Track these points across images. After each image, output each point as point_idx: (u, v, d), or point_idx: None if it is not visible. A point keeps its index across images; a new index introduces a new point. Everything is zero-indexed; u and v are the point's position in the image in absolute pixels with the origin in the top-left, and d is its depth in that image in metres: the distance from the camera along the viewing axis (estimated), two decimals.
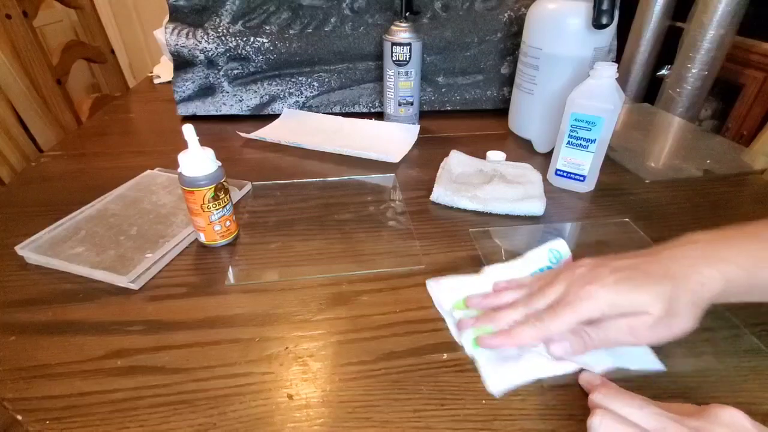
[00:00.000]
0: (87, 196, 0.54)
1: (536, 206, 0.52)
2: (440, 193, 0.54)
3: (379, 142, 0.70)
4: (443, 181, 0.56)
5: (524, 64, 0.67)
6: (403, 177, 0.62)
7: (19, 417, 0.31)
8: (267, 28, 0.76)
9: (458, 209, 0.54)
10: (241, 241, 0.49)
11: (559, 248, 0.43)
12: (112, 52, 1.13)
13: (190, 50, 0.75)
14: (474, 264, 0.45)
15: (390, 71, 0.72)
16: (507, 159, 0.63)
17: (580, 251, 0.48)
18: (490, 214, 0.53)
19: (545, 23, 0.62)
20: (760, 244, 0.32)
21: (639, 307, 0.31)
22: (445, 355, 0.35)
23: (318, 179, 0.61)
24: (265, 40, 0.75)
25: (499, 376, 0.33)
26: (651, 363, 0.34)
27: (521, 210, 0.52)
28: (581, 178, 0.56)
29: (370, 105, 0.82)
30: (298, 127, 0.76)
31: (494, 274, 0.42)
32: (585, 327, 0.33)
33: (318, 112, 0.80)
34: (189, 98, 0.78)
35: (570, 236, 0.51)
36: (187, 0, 0.74)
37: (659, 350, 0.35)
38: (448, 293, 0.41)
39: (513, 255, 0.47)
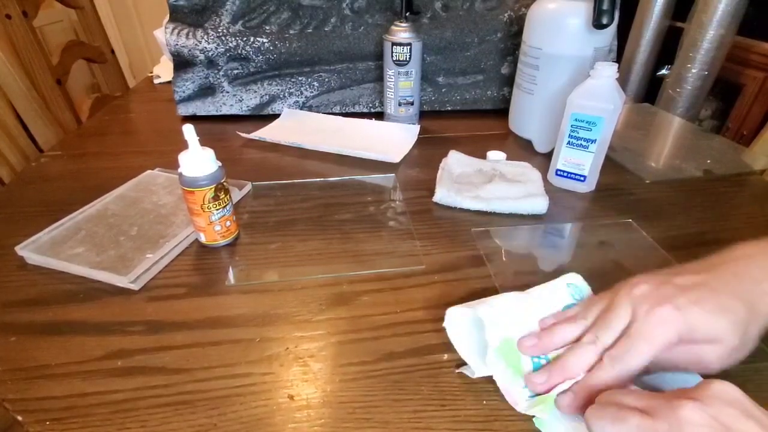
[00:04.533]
0: (87, 196, 0.54)
1: (540, 204, 0.52)
2: (443, 194, 0.54)
3: (379, 142, 0.70)
4: (445, 182, 0.56)
5: (524, 64, 0.67)
6: (403, 177, 0.62)
7: (20, 417, 0.31)
8: (267, 28, 0.76)
9: (459, 209, 0.54)
10: (242, 242, 0.49)
11: (576, 283, 0.38)
12: (112, 52, 1.13)
13: (190, 50, 0.74)
14: (474, 264, 0.45)
15: (390, 71, 0.72)
16: (507, 159, 0.63)
17: (582, 252, 0.49)
18: (492, 214, 0.53)
19: (545, 23, 0.62)
20: None
21: (715, 336, 0.28)
22: (445, 356, 0.35)
23: (318, 179, 0.61)
24: (265, 40, 0.75)
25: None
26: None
27: (525, 208, 0.52)
28: (581, 178, 0.56)
29: (370, 105, 0.82)
30: (298, 127, 0.75)
31: (509, 307, 0.35)
32: None
33: (318, 112, 0.80)
34: (189, 98, 0.78)
35: (572, 236, 0.51)
36: (187, 0, 0.74)
37: None
38: (472, 337, 0.35)
39: (513, 255, 0.47)
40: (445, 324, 0.35)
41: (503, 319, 0.34)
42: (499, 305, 0.35)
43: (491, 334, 0.33)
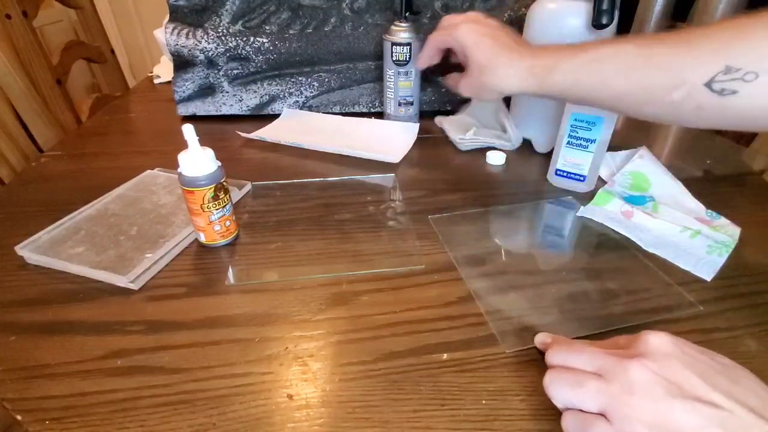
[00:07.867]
0: (87, 196, 0.54)
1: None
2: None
3: (379, 142, 0.70)
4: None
5: None
6: (403, 177, 0.62)
7: (19, 417, 0.31)
8: (267, 28, 0.76)
9: (456, 215, 0.54)
10: (241, 241, 0.49)
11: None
12: (112, 52, 1.13)
13: (190, 50, 0.75)
14: (474, 263, 0.45)
15: (390, 71, 0.72)
16: (507, 160, 0.63)
17: (581, 251, 0.48)
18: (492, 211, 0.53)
19: (545, 23, 0.62)
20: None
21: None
22: (445, 356, 0.35)
23: (318, 179, 0.61)
24: (265, 40, 0.75)
25: None
26: (704, 272, 0.42)
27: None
28: (581, 178, 0.56)
29: (370, 105, 0.82)
30: (298, 127, 0.76)
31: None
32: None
33: (318, 112, 0.80)
34: (189, 98, 0.78)
35: (574, 234, 0.51)
36: (187, 0, 0.74)
37: None
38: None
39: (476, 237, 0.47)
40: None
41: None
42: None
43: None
